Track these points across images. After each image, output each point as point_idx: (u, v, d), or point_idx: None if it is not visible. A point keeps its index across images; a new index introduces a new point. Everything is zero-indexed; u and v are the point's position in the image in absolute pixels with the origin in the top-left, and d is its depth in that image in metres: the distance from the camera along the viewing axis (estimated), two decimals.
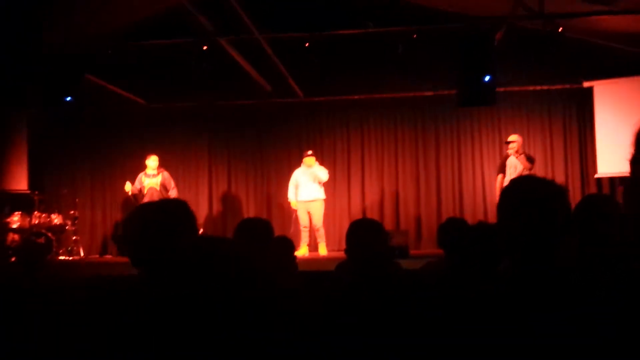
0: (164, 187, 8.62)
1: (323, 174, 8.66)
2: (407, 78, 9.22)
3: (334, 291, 3.34)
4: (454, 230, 3.68)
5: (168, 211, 1.96)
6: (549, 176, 9.30)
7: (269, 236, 2.69)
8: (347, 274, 2.94)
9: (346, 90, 9.78)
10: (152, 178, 8.64)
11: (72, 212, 9.30)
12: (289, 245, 3.58)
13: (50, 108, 9.54)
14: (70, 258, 8.83)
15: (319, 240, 8.59)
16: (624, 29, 8.00)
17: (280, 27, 8.00)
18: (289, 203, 8.86)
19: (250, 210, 10.23)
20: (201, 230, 9.06)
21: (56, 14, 7.73)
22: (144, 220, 1.94)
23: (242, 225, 2.70)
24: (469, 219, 8.79)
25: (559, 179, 9.31)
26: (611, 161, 8.25)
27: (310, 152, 8.81)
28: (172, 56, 8.78)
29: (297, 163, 9.02)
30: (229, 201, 10.33)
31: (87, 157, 10.39)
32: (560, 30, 7.31)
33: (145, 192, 8.58)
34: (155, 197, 8.25)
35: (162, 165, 8.92)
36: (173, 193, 8.64)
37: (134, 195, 8.66)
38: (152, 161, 8.71)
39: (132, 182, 8.67)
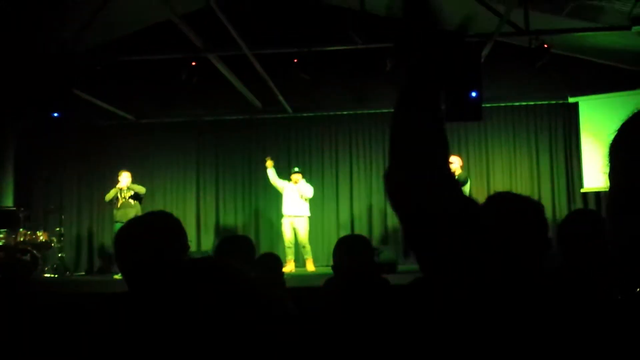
0: (135, 195, 8.48)
1: (308, 190, 8.60)
2: (395, 93, 9.25)
3: (323, 307, 3.33)
4: None
5: (160, 226, 1.95)
6: (535, 190, 9.42)
7: (250, 252, 2.67)
8: (335, 290, 2.93)
9: (335, 105, 9.82)
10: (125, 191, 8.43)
11: (57, 229, 9.21)
12: (277, 261, 3.56)
13: (37, 124, 9.53)
14: (56, 275, 8.72)
15: (305, 256, 8.55)
16: (608, 45, 8.13)
17: (268, 43, 8.04)
18: (277, 215, 8.88)
19: (238, 224, 10.19)
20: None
21: (44, 30, 7.72)
22: (136, 235, 1.93)
23: (223, 243, 2.68)
24: None
25: (545, 193, 9.38)
26: (597, 176, 8.33)
27: (297, 168, 8.78)
28: (161, 71, 8.79)
29: (286, 178, 8.99)
30: (218, 216, 10.28)
31: (74, 173, 10.31)
32: (545, 46, 7.39)
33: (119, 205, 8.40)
34: (131, 211, 8.20)
35: (150, 180, 8.84)
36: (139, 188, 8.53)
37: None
38: (122, 175, 8.51)
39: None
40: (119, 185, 8.37)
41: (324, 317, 3.03)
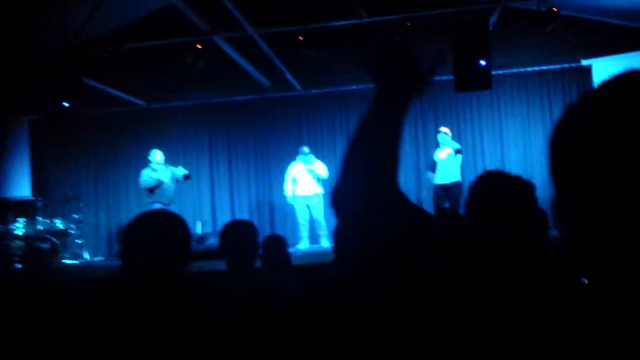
0: (174, 180, 8.36)
1: (323, 171, 8.53)
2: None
3: (328, 285, 3.33)
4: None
5: (164, 226, 1.97)
6: None
7: (253, 237, 2.68)
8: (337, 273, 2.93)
9: (344, 81, 9.73)
10: (160, 173, 8.23)
11: (76, 216, 9.35)
12: (281, 242, 3.58)
13: (50, 114, 9.63)
14: (76, 262, 8.89)
15: (320, 232, 8.56)
16: (620, 4, 7.89)
17: (273, 22, 7.96)
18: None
19: (252, 204, 10.25)
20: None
21: (51, 20, 7.74)
22: (140, 233, 1.95)
23: (226, 228, 2.70)
24: None
25: None
26: None
27: (307, 149, 8.69)
28: (168, 56, 8.77)
29: (296, 156, 8.97)
30: (232, 197, 10.35)
31: (89, 161, 10.44)
32: (554, 9, 7.21)
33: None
34: (169, 193, 8.20)
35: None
36: (181, 172, 8.32)
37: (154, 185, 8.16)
38: (157, 155, 8.32)
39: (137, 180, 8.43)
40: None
41: (329, 295, 3.04)
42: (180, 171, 8.30)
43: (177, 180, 8.36)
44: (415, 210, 1.01)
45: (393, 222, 0.96)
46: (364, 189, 0.98)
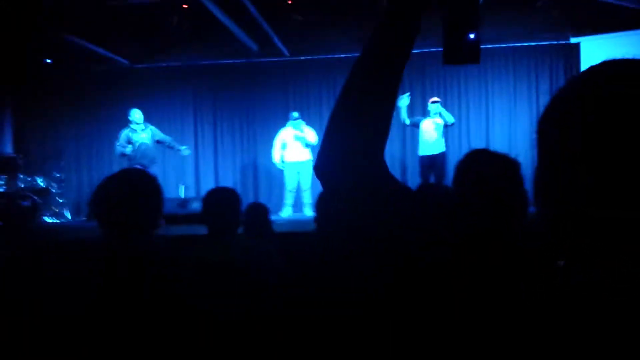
0: (154, 140, 8.26)
1: (312, 137, 8.44)
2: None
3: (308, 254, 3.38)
4: None
5: (135, 185, 1.96)
6: (534, 135, 9.32)
7: (236, 204, 2.69)
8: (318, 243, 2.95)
9: (333, 49, 9.63)
10: (140, 133, 8.13)
11: (57, 174, 9.27)
12: (263, 210, 3.60)
13: (31, 71, 9.42)
14: (57, 221, 8.85)
15: (304, 201, 8.55)
16: None
17: None
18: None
19: (237, 169, 10.23)
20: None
21: None
22: (111, 193, 1.94)
23: (209, 196, 2.70)
24: None
25: None
26: None
27: (296, 114, 8.63)
28: (154, 15, 8.59)
29: (284, 122, 8.93)
30: (216, 161, 10.31)
31: (71, 119, 10.28)
32: None
33: (136, 148, 8.07)
34: (150, 153, 8.13)
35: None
36: (168, 139, 8.34)
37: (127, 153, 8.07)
38: (137, 114, 8.16)
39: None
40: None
41: (309, 269, 3.08)
42: (158, 134, 8.20)
43: (158, 142, 8.26)
44: (401, 188, 0.94)
45: (378, 198, 0.90)
46: (349, 157, 0.91)
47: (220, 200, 2.69)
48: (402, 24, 0.93)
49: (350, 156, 0.90)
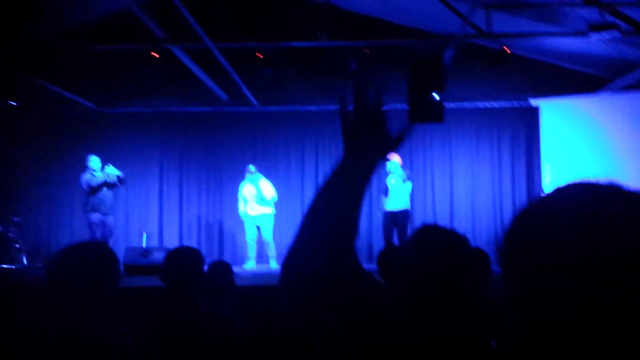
0: (114, 180, 8.17)
1: (269, 191, 8.43)
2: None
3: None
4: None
5: (91, 259, 1.93)
6: (497, 193, 9.55)
7: (198, 265, 2.65)
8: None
9: (302, 101, 9.77)
10: (102, 172, 8.09)
11: (15, 218, 9.00)
12: (226, 268, 3.56)
13: None
14: (13, 267, 8.54)
15: (269, 254, 8.45)
16: (569, 49, 8.25)
17: (233, 36, 7.93)
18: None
19: (202, 218, 10.11)
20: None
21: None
22: (67, 267, 1.90)
23: (170, 256, 2.65)
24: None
25: (506, 196, 9.54)
26: (556, 179, 8.48)
27: (253, 167, 8.57)
28: (124, 60, 8.60)
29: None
30: (181, 209, 10.17)
31: (33, 162, 10.06)
32: (506, 49, 7.48)
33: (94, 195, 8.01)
34: (108, 202, 8.04)
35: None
36: (112, 171, 8.15)
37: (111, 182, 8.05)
38: (95, 161, 8.14)
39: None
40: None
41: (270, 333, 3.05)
42: (112, 170, 8.11)
43: (111, 186, 8.14)
44: (368, 282, 1.01)
45: (344, 295, 0.96)
46: (319, 260, 0.97)
47: (182, 260, 2.65)
48: (356, 173, 1.03)
49: (320, 256, 0.97)
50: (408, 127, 1.14)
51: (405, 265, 1.57)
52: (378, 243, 9.12)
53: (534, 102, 9.01)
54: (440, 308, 1.41)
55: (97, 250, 1.98)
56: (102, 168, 8.16)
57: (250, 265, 8.30)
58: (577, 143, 8.50)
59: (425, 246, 1.61)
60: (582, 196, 0.70)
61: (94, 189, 8.00)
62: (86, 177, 8.05)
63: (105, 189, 8.08)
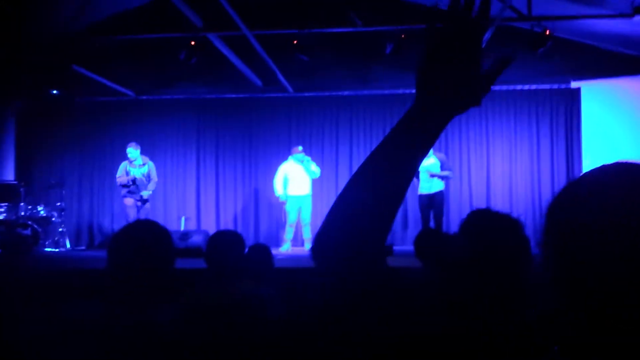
0: (148, 177, 8.30)
1: (317, 169, 8.60)
2: (397, 75, 9.21)
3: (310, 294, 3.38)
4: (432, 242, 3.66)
5: (149, 237, 1.97)
6: (535, 177, 9.39)
7: (240, 247, 2.72)
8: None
9: (336, 86, 9.78)
10: (138, 168, 8.22)
11: (58, 203, 9.28)
12: (265, 252, 3.61)
13: (38, 100, 9.55)
14: (57, 250, 8.83)
15: (305, 236, 8.56)
16: (610, 29, 8.03)
17: (268, 24, 7.97)
18: (277, 197, 8.76)
19: (238, 203, 10.25)
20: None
21: (43, 6, 7.68)
22: (125, 248, 1.96)
23: (213, 239, 2.72)
24: (455, 218, 8.84)
25: (545, 179, 9.36)
26: (597, 162, 8.28)
27: (300, 147, 8.71)
28: (160, 49, 8.74)
29: (285, 156, 8.96)
30: (218, 195, 10.33)
31: (75, 149, 10.35)
32: (547, 33, 7.32)
33: (132, 181, 8.16)
34: (144, 188, 8.19)
35: (151, 157, 8.78)
36: (152, 186, 8.31)
37: (126, 184, 8.18)
38: (134, 149, 8.24)
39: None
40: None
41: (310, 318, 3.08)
42: (137, 171, 8.22)
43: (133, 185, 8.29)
44: (392, 277, 0.94)
45: (371, 287, 0.89)
46: (350, 243, 0.87)
47: (224, 243, 2.72)
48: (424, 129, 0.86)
49: (353, 245, 0.86)
50: (509, 54, 0.85)
51: (458, 256, 1.55)
52: (413, 225, 9.13)
53: (574, 84, 8.81)
54: (496, 298, 1.37)
55: (153, 228, 2.03)
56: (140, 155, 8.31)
57: (286, 247, 8.39)
58: (618, 125, 8.30)
59: (480, 233, 1.58)
60: (626, 172, 0.70)
61: (123, 185, 8.23)
62: (119, 172, 8.28)
63: (140, 176, 8.24)
